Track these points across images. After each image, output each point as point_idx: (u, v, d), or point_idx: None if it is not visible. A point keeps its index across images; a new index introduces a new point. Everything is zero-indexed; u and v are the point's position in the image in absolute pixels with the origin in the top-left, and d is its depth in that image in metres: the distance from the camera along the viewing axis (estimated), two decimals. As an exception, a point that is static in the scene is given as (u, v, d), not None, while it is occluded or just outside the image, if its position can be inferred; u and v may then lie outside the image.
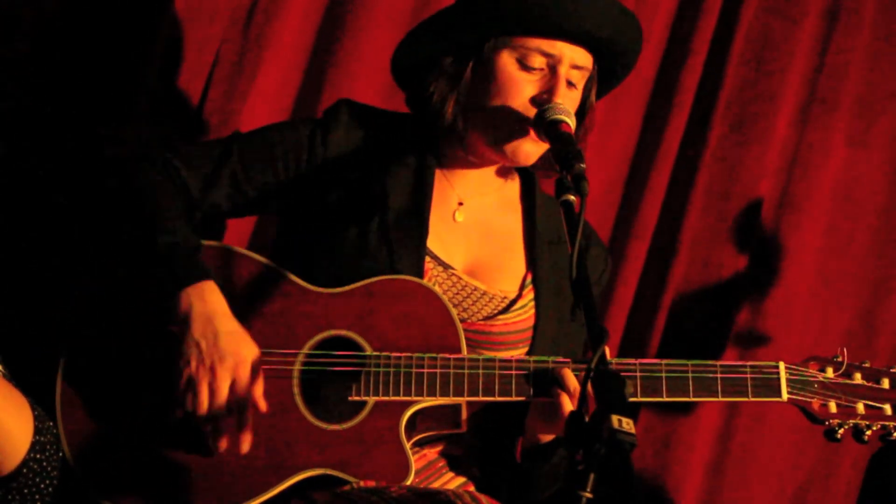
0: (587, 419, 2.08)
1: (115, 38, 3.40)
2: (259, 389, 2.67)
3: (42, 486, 2.50)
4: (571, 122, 2.75)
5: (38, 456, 2.47)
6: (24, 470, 2.46)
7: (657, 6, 3.88)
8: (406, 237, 2.83)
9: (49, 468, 2.50)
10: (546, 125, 2.74)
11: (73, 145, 3.36)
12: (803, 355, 3.92)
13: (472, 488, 2.86)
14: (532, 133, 2.80)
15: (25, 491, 2.48)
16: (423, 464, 2.83)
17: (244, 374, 2.65)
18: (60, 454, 2.57)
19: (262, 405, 2.67)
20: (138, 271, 2.76)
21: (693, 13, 3.92)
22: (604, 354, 2.13)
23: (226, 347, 2.64)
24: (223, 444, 2.68)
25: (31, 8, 3.34)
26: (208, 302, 2.68)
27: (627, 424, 2.03)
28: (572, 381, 2.72)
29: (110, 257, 2.83)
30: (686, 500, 3.91)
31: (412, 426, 2.76)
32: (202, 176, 2.85)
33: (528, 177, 3.05)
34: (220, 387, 2.64)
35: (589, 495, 2.02)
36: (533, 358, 2.77)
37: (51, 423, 2.54)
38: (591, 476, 2.02)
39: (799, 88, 4.01)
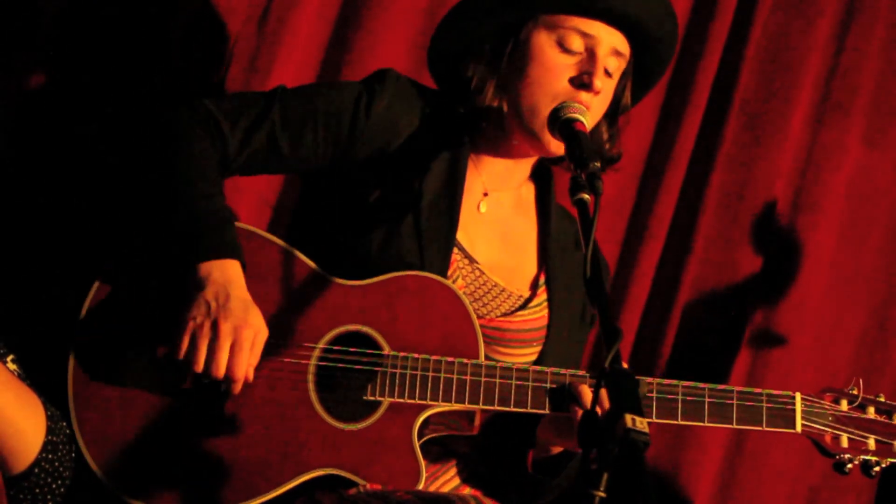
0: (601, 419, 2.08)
1: (129, 34, 3.41)
2: (253, 361, 2.62)
3: (54, 486, 2.50)
4: (586, 121, 2.74)
5: (49, 456, 2.48)
6: (36, 470, 2.46)
7: (673, 4, 3.87)
8: (437, 228, 2.82)
9: (61, 468, 2.51)
10: (560, 124, 2.74)
11: (86, 144, 3.37)
12: (817, 355, 3.93)
13: (467, 490, 2.86)
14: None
15: (37, 491, 2.48)
16: (426, 462, 2.81)
17: (246, 337, 2.59)
18: (73, 455, 2.57)
19: (250, 377, 2.62)
20: (165, 234, 2.71)
21: (708, 13, 3.91)
22: (618, 354, 2.13)
23: (234, 310, 2.60)
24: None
25: (41, 8, 3.36)
26: (227, 274, 2.64)
27: (641, 424, 2.03)
28: (589, 397, 2.71)
29: (138, 218, 2.81)
30: (699, 499, 3.90)
31: (425, 427, 2.76)
32: (242, 131, 2.80)
33: (542, 185, 3.05)
34: (220, 346, 2.58)
35: (602, 494, 2.01)
36: (550, 370, 2.76)
37: (64, 424, 2.54)
38: (605, 475, 2.02)
39: (813, 88, 4.00)
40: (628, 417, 2.02)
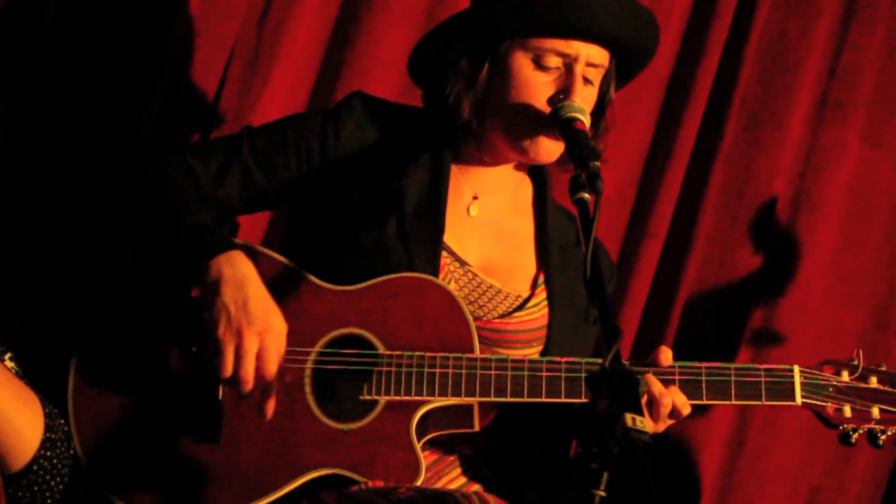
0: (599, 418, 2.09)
1: (129, 36, 3.41)
2: (280, 361, 2.63)
3: (52, 483, 2.50)
4: (586, 120, 2.75)
5: (48, 453, 2.48)
6: (35, 467, 2.47)
7: (672, 5, 3.87)
8: (423, 232, 2.83)
9: (60, 466, 2.51)
10: (560, 123, 2.74)
11: (86, 144, 3.37)
12: (818, 354, 3.90)
13: (475, 488, 2.85)
14: (549, 132, 2.80)
15: (35, 488, 2.49)
16: (431, 461, 2.83)
17: (271, 342, 2.60)
18: (71, 452, 2.57)
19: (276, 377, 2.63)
20: (163, 254, 2.74)
21: (708, 12, 3.91)
22: (618, 353, 2.13)
23: (255, 313, 2.60)
24: (255, 408, 2.65)
25: (41, 9, 3.36)
26: (238, 268, 2.65)
27: (641, 423, 2.03)
28: (657, 385, 2.72)
29: (131, 249, 2.83)
30: (700, 498, 3.91)
31: (424, 425, 2.76)
32: (213, 169, 2.85)
33: (540, 183, 3.05)
34: (247, 351, 2.58)
35: (602, 494, 2.02)
36: (545, 358, 2.77)
37: (62, 421, 2.55)
38: (605, 475, 2.02)
39: (813, 87, 4.00)
40: (628, 417, 2.03)
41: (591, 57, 2.82)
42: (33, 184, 3.33)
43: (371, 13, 3.59)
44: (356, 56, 3.58)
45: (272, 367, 2.61)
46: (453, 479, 2.86)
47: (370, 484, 2.68)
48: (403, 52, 3.49)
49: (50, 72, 3.36)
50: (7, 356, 2.53)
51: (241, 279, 2.64)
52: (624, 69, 2.96)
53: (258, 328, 2.60)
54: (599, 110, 2.93)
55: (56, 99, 3.36)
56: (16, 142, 3.33)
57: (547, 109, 2.79)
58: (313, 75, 3.63)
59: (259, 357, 2.60)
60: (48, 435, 2.48)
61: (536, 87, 2.81)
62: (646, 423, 2.03)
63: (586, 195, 2.46)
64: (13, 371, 2.51)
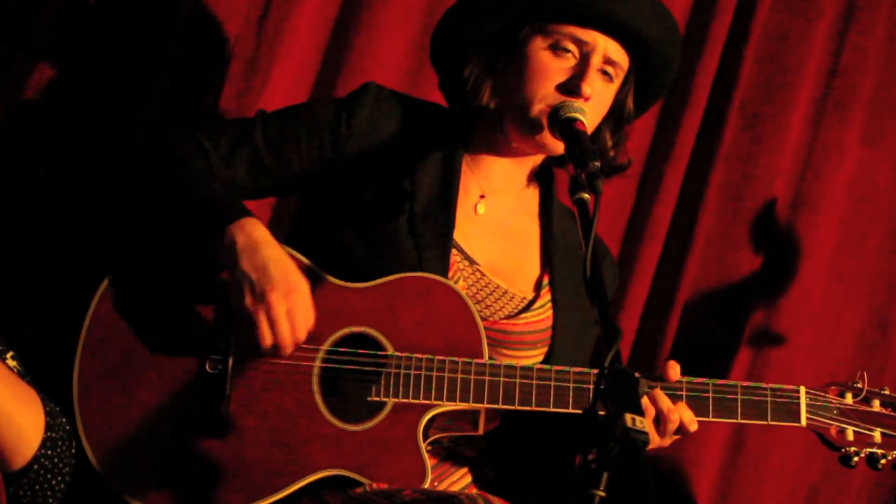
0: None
1: (128, 36, 3.41)
2: (310, 322, 2.65)
3: (53, 482, 2.51)
4: (587, 121, 2.74)
5: (49, 452, 2.48)
6: (35, 466, 2.47)
7: (672, 5, 3.86)
8: (433, 229, 2.82)
9: (61, 465, 2.51)
10: (560, 123, 2.74)
11: (86, 143, 3.37)
12: (818, 354, 3.93)
13: (475, 490, 2.85)
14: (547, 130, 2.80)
15: (37, 487, 2.49)
16: (433, 462, 2.82)
17: (298, 302, 2.62)
18: (73, 451, 2.57)
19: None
20: (175, 233, 2.74)
21: (708, 12, 3.91)
22: (618, 353, 2.13)
23: (276, 275, 2.61)
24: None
25: (41, 9, 3.36)
26: (251, 234, 2.66)
27: (641, 423, 2.03)
28: (666, 402, 2.72)
29: (141, 232, 2.82)
30: (699, 498, 3.91)
31: (429, 428, 2.75)
32: (223, 150, 2.83)
33: (546, 186, 3.05)
34: (278, 316, 2.60)
35: (602, 494, 2.02)
36: (555, 368, 2.76)
37: (63, 420, 2.55)
38: (605, 475, 2.02)
39: (813, 88, 4.01)
40: (628, 417, 2.03)
41: (609, 51, 2.82)
42: (33, 183, 3.33)
43: (371, 13, 3.59)
44: (356, 56, 3.58)
45: (302, 329, 2.63)
46: (456, 480, 2.86)
47: (374, 486, 2.67)
48: (403, 52, 3.50)
49: (49, 72, 3.36)
50: (9, 355, 2.53)
51: (255, 244, 2.65)
52: (642, 87, 2.95)
53: (283, 290, 2.61)
54: (618, 121, 2.93)
55: (56, 98, 3.36)
56: (15, 142, 3.33)
57: (555, 97, 2.79)
58: (313, 75, 3.63)
59: (289, 318, 2.61)
60: (49, 434, 2.48)
61: (550, 73, 2.81)
62: (646, 425, 2.03)
63: (586, 195, 2.46)
64: (15, 370, 2.51)
